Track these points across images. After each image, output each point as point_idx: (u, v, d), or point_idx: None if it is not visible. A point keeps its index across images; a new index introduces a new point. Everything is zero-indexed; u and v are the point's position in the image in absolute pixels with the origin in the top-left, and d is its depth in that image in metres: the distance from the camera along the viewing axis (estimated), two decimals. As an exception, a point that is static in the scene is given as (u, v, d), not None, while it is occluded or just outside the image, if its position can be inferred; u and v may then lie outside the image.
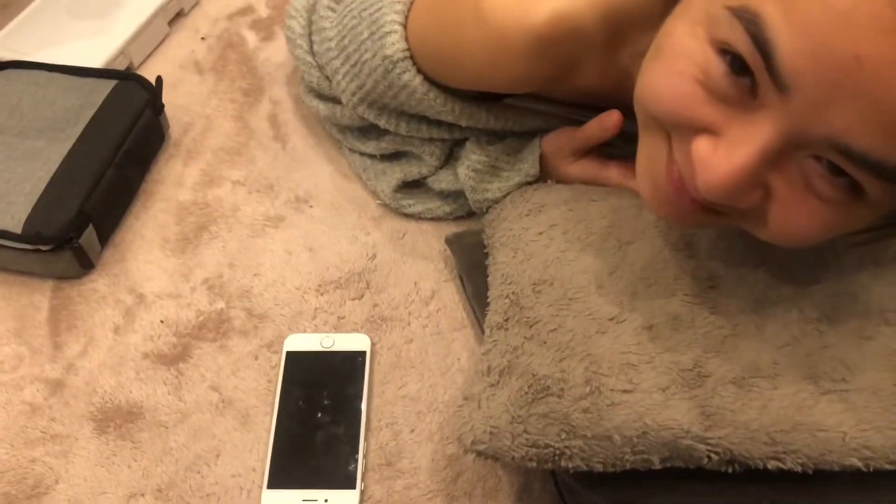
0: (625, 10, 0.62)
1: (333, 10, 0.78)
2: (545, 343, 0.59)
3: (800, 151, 0.46)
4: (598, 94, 0.71)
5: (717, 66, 0.46)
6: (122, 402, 0.72)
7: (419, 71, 0.70)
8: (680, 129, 0.51)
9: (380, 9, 0.70)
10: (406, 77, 0.70)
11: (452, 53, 0.67)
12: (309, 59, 0.81)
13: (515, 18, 0.60)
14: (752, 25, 0.43)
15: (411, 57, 0.70)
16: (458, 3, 0.65)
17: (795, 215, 0.49)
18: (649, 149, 0.55)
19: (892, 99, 0.40)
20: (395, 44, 0.69)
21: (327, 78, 0.79)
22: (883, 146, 0.42)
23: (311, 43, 0.82)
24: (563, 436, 0.55)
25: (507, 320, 0.63)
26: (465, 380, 0.73)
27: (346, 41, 0.74)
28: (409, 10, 0.70)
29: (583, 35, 0.62)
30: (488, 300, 0.68)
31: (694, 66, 0.48)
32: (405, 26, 0.69)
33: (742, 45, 0.44)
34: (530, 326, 0.61)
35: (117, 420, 0.71)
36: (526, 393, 0.57)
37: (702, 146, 0.48)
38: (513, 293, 0.64)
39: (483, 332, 0.69)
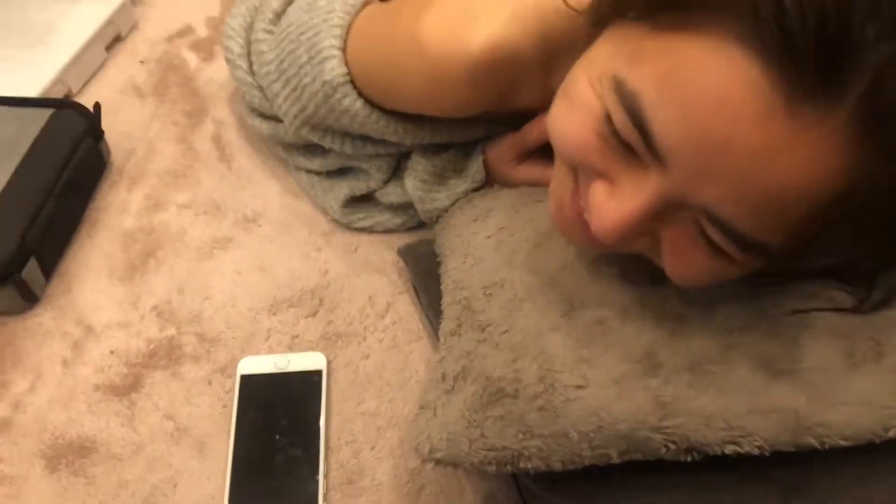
0: (557, 37, 0.63)
1: (270, 33, 0.79)
2: (498, 345, 0.60)
3: (683, 210, 0.49)
4: (538, 108, 0.73)
5: (608, 127, 0.50)
6: (74, 437, 0.71)
7: (360, 95, 0.71)
8: (582, 170, 0.54)
9: (318, 33, 0.71)
10: (347, 102, 0.71)
11: (392, 82, 0.68)
12: (249, 79, 0.82)
13: (451, 48, 0.62)
14: (630, 101, 0.47)
15: (352, 81, 0.71)
16: (394, 31, 0.67)
17: (683, 263, 0.53)
18: (560, 175, 0.58)
19: (759, 180, 0.44)
20: (334, 69, 0.70)
21: (268, 99, 0.80)
22: (749, 220, 0.47)
23: (250, 63, 0.82)
24: (521, 436, 0.56)
25: (459, 326, 0.64)
26: (422, 390, 0.73)
27: (284, 65, 0.74)
28: (346, 34, 0.71)
29: (518, 61, 0.64)
30: (442, 308, 0.69)
31: (592, 119, 0.51)
32: (344, 50, 0.71)
33: (620, 120, 0.48)
34: (482, 330, 0.62)
35: (69, 456, 0.70)
36: (481, 396, 0.58)
37: (597, 192, 0.53)
38: (464, 298, 0.65)
39: (438, 339, 0.70)
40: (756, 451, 0.52)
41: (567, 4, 0.60)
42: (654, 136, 0.46)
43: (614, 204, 0.51)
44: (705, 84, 0.44)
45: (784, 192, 0.45)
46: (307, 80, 0.72)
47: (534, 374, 0.57)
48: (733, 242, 0.49)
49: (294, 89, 0.74)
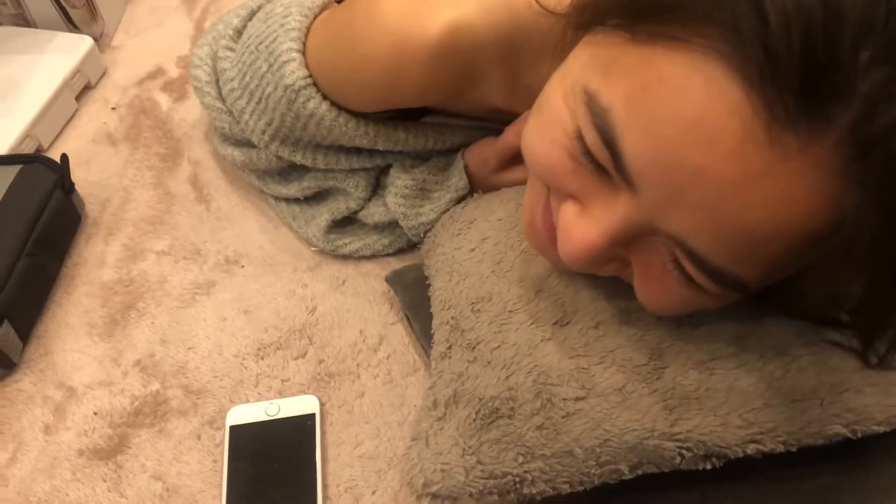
0: (526, 32, 0.64)
1: (232, 50, 0.80)
2: (489, 363, 0.59)
3: (655, 236, 0.49)
4: (511, 110, 0.73)
5: (580, 145, 0.49)
6: (59, 507, 0.71)
7: (325, 98, 0.72)
8: (553, 188, 0.54)
9: (275, 39, 0.72)
10: (311, 105, 0.71)
11: (350, 72, 0.69)
12: (218, 104, 0.83)
13: (409, 28, 0.63)
14: (601, 118, 0.46)
15: (315, 84, 0.71)
16: (352, 18, 0.67)
17: (654, 291, 0.53)
18: (533, 188, 0.58)
19: (733, 212, 0.44)
20: (294, 72, 0.71)
21: (236, 118, 0.81)
22: (722, 253, 0.46)
23: (219, 90, 0.84)
24: (521, 459, 0.55)
25: (449, 348, 0.63)
26: (415, 419, 0.72)
27: (247, 78, 0.76)
28: (305, 36, 0.72)
29: (480, 50, 0.64)
30: (432, 332, 0.68)
31: (564, 136, 0.51)
32: (304, 53, 0.71)
33: (591, 138, 0.48)
34: (472, 349, 0.61)
35: (54, 528, 0.70)
36: (474, 420, 0.57)
37: (566, 213, 0.53)
38: (452, 318, 0.64)
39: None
40: (780, 448, 0.51)
41: (539, 3, 0.59)
42: (623, 156, 0.46)
43: (581, 227, 0.51)
44: (680, 105, 0.43)
45: (760, 226, 0.44)
46: (269, 88, 0.73)
47: (529, 390, 0.56)
48: (705, 274, 0.48)
49: (259, 102, 0.75)
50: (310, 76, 0.71)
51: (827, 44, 0.39)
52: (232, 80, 0.78)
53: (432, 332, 0.68)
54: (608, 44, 0.48)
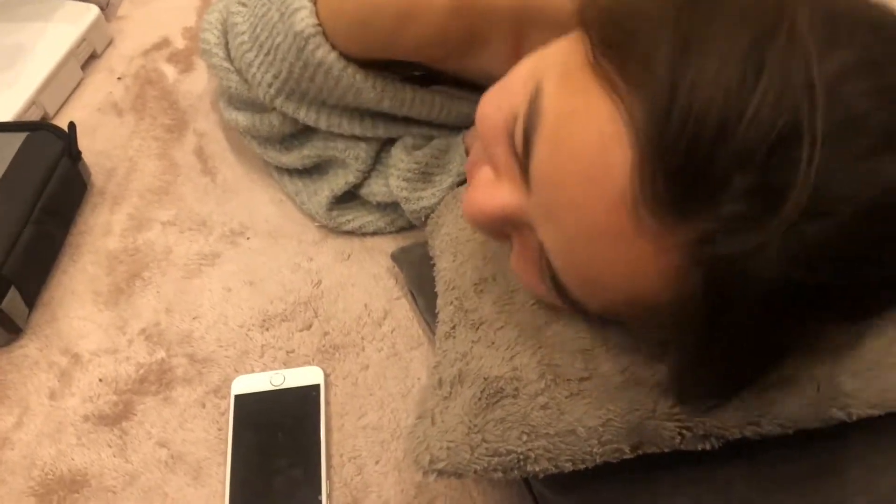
0: (536, 7, 0.64)
1: (245, 5, 0.80)
2: (494, 343, 0.59)
3: (535, 231, 0.51)
4: None
5: (511, 127, 0.51)
6: (65, 471, 0.71)
7: (334, 48, 0.71)
8: (485, 151, 0.56)
9: None
10: (320, 53, 0.71)
11: (360, 13, 0.69)
12: (226, 64, 0.83)
13: None
14: (532, 119, 0.48)
15: (324, 33, 0.71)
16: None
17: (522, 272, 0.57)
18: (477, 147, 0.60)
19: (588, 254, 0.47)
20: (304, 19, 0.70)
21: (246, 81, 0.80)
22: (571, 278, 0.50)
23: (227, 52, 0.83)
24: (525, 438, 0.55)
25: (454, 328, 0.64)
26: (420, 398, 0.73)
27: (258, 30, 0.75)
28: None
29: (493, 11, 0.64)
30: (437, 312, 0.68)
31: (508, 110, 0.52)
32: (315, 3, 0.71)
33: (518, 128, 0.50)
34: (476, 329, 0.61)
35: (61, 492, 0.70)
36: (479, 399, 0.57)
37: (481, 175, 0.55)
38: (456, 298, 0.65)
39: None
40: (778, 430, 0.51)
41: None
42: (531, 160, 0.48)
43: (485, 193, 0.54)
44: (586, 145, 0.45)
45: (604, 276, 0.47)
46: (279, 38, 0.73)
47: (534, 370, 0.56)
48: (553, 286, 0.52)
49: (268, 53, 0.75)
50: (319, 24, 0.70)
51: (707, 157, 0.40)
52: (242, 34, 0.78)
53: (437, 311, 0.68)
54: (579, 53, 0.48)
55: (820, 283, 0.41)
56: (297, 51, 0.72)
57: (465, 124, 0.81)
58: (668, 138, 0.40)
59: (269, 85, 0.77)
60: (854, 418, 0.51)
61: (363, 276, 0.82)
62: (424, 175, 0.80)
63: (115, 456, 0.72)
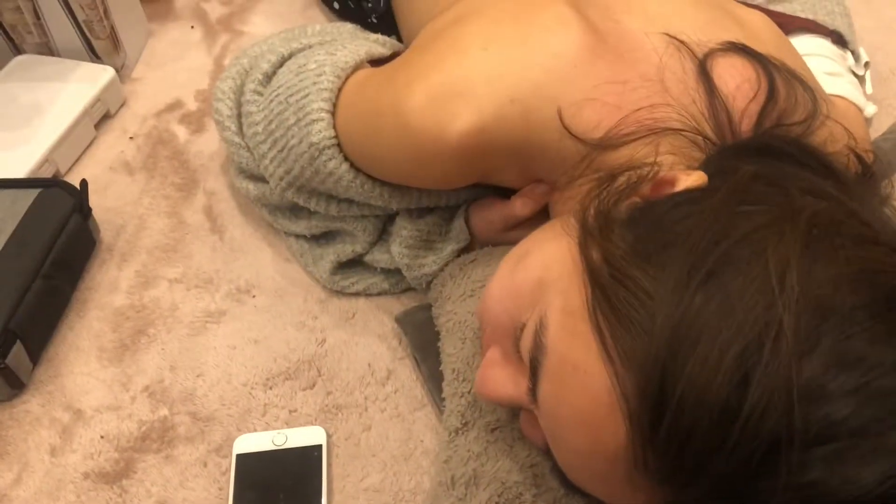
0: (537, 148, 0.64)
1: (260, 94, 0.80)
2: (512, 447, 0.60)
3: None
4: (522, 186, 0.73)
5: (518, 336, 0.55)
6: (63, 530, 0.69)
7: (346, 158, 0.72)
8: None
9: (307, 95, 0.72)
10: (332, 165, 0.72)
11: (376, 153, 0.70)
12: (238, 139, 0.83)
13: (432, 132, 0.63)
14: (537, 351, 0.51)
15: (338, 145, 0.71)
16: (381, 109, 0.67)
17: (531, 437, 0.61)
18: None
19: (583, 479, 0.52)
20: (321, 132, 0.71)
21: (256, 159, 0.81)
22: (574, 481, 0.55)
23: (239, 125, 0.83)
24: None
25: (465, 424, 0.64)
26: (431, 479, 0.71)
27: (272, 125, 0.75)
28: (336, 98, 0.72)
29: (495, 152, 0.65)
30: (443, 396, 0.69)
31: (514, 314, 0.55)
32: (333, 114, 0.71)
33: (524, 350, 0.53)
34: (492, 431, 0.62)
35: (58, 550, 0.68)
36: (497, 503, 0.57)
37: (491, 357, 0.58)
38: (468, 392, 0.65)
39: (441, 411, 0.69)
40: None
41: (568, 130, 0.61)
42: (537, 388, 0.51)
43: (494, 380, 0.57)
44: (584, 403, 0.47)
45: (600, 493, 0.52)
46: (294, 141, 0.73)
47: (554, 477, 0.56)
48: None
49: (281, 150, 0.75)
50: (335, 137, 0.71)
51: (694, 466, 0.43)
52: (257, 125, 0.78)
53: (443, 396, 0.69)
54: (580, 288, 0.50)
55: None
56: (311, 158, 0.72)
57: (469, 198, 0.80)
58: (660, 439, 0.43)
59: (281, 178, 0.77)
60: None
61: (368, 334, 0.82)
62: (426, 242, 0.79)
63: (113, 515, 0.70)
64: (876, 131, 0.88)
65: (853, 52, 0.85)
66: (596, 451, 0.47)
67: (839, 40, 0.85)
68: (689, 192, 0.51)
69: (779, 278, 0.42)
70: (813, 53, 0.82)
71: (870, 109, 0.79)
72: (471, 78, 0.63)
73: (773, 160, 0.53)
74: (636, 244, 0.48)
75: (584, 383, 0.47)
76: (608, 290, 0.47)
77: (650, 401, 0.43)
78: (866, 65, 0.85)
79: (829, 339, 0.42)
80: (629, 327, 0.45)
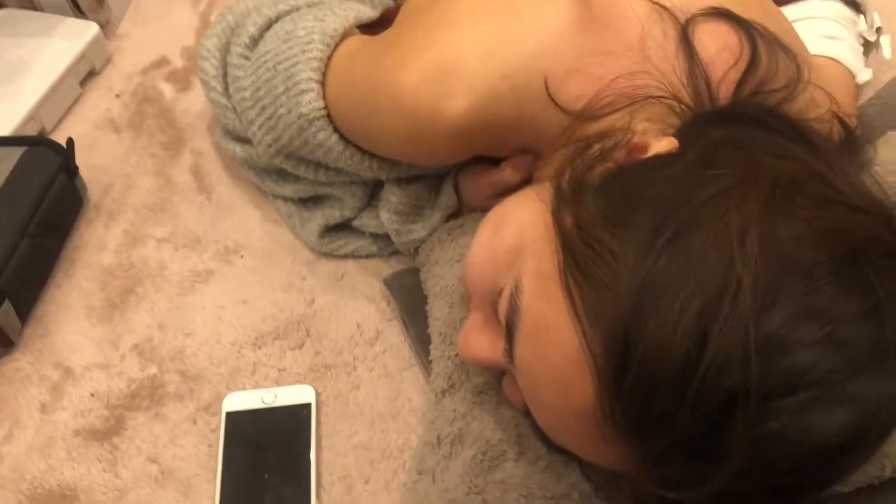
0: (525, 120, 0.64)
1: (247, 59, 0.78)
2: (498, 409, 0.61)
3: None
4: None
5: (496, 299, 0.56)
6: (54, 485, 0.70)
7: (336, 129, 0.71)
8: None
9: (296, 64, 0.71)
10: (321, 136, 0.71)
11: (370, 130, 0.69)
12: (224, 101, 0.82)
13: (427, 112, 0.63)
14: (512, 314, 0.52)
15: (328, 116, 0.70)
16: (374, 80, 0.66)
17: (512, 400, 0.62)
18: None
19: (555, 435, 0.54)
20: (311, 102, 0.70)
21: (243, 123, 0.80)
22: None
23: (225, 84, 0.82)
24: (523, 500, 0.58)
25: (451, 386, 0.65)
26: (418, 438, 0.72)
27: (260, 93, 0.74)
28: (326, 67, 0.71)
29: (489, 130, 0.64)
30: (430, 359, 0.69)
31: (493, 278, 0.56)
32: (322, 83, 0.70)
33: (501, 313, 0.54)
34: (479, 393, 0.62)
35: (50, 506, 0.68)
36: (481, 461, 0.59)
37: (473, 321, 0.60)
38: (455, 355, 0.65)
39: (429, 373, 0.70)
40: None
41: (553, 101, 0.61)
42: (514, 349, 0.53)
43: (475, 343, 0.59)
44: (556, 360, 0.49)
45: (575, 448, 0.53)
46: (283, 110, 0.72)
47: (538, 436, 0.58)
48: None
49: (269, 118, 0.74)
50: (325, 108, 0.70)
51: (659, 416, 0.44)
52: (244, 90, 0.76)
53: (430, 359, 0.69)
54: (553, 253, 0.50)
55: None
56: (300, 129, 0.72)
57: (457, 165, 0.80)
58: (625, 393, 0.45)
59: (269, 146, 0.76)
60: None
61: (356, 296, 0.82)
62: (415, 209, 0.79)
63: (105, 471, 0.71)
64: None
65: (865, 16, 0.85)
66: (568, 407, 0.49)
67: (852, 3, 0.85)
68: (659, 158, 0.52)
69: (739, 238, 0.43)
70: (814, 16, 0.81)
71: (864, 75, 0.79)
72: (462, 55, 0.62)
73: (745, 126, 0.53)
74: (606, 208, 0.49)
75: (556, 343, 0.48)
76: (578, 253, 0.48)
77: (615, 357, 0.44)
78: (878, 30, 0.84)
79: (790, 295, 0.43)
80: (596, 287, 0.46)
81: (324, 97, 0.70)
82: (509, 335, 0.53)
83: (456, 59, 0.62)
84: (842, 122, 0.59)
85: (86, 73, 1.01)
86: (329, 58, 0.71)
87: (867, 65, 0.82)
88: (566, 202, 0.51)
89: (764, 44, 0.60)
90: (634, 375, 0.44)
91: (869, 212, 0.48)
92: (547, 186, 0.55)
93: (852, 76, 0.78)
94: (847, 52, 0.78)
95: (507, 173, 0.72)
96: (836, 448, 0.43)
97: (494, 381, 0.64)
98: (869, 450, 0.46)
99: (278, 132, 0.74)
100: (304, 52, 0.71)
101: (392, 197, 0.78)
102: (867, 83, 0.81)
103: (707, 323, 0.42)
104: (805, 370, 0.42)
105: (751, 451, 0.43)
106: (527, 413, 0.58)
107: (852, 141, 0.59)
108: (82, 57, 0.99)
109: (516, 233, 0.55)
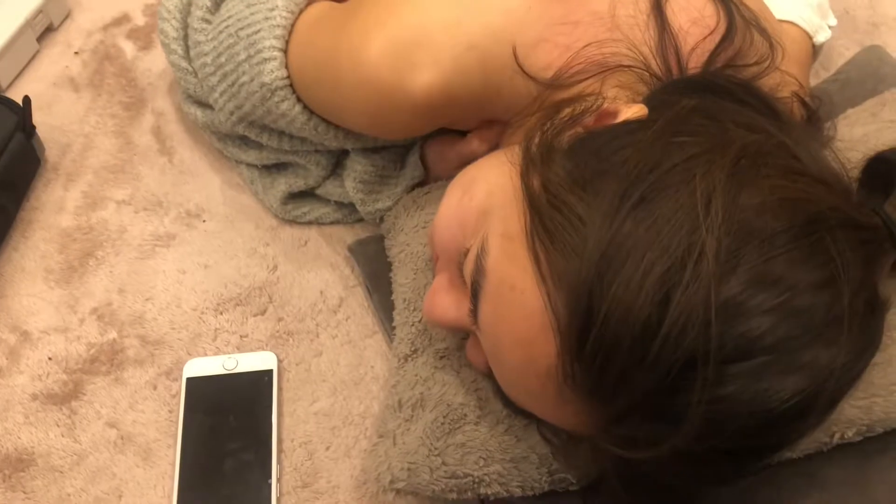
0: (493, 91, 0.63)
1: (208, 22, 0.76)
2: (459, 373, 0.61)
3: None
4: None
5: (462, 259, 0.56)
6: (11, 449, 0.69)
7: (299, 100, 0.69)
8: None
9: (258, 31, 0.69)
10: (284, 106, 0.69)
11: (334, 101, 0.67)
12: (184, 64, 0.79)
13: (392, 85, 0.61)
14: (478, 274, 0.52)
15: (291, 85, 0.69)
16: (338, 50, 0.64)
17: (475, 364, 0.63)
18: None
19: (513, 394, 0.55)
20: (273, 71, 0.68)
21: (205, 88, 0.77)
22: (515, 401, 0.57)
23: (186, 47, 0.80)
24: (482, 462, 0.58)
25: (414, 351, 0.65)
26: (380, 404, 0.72)
27: (222, 59, 0.72)
28: (289, 34, 0.69)
29: (455, 104, 0.63)
30: (394, 325, 0.69)
31: (460, 239, 0.56)
32: (285, 52, 0.68)
33: (467, 273, 0.54)
34: (441, 357, 0.63)
35: (6, 470, 0.68)
36: (442, 424, 0.59)
37: (439, 281, 0.60)
38: (419, 321, 0.65)
39: (392, 340, 0.70)
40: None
41: (523, 70, 0.60)
42: (478, 310, 0.53)
43: (440, 304, 0.59)
44: (519, 321, 0.49)
45: (535, 410, 0.54)
46: (245, 78, 0.70)
47: (498, 400, 0.58)
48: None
49: (231, 85, 0.72)
50: (288, 77, 0.68)
51: (618, 376, 0.45)
52: (205, 55, 0.74)
53: (393, 325, 0.69)
54: (520, 215, 0.51)
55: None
56: (262, 98, 0.69)
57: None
58: (586, 354, 0.45)
59: (231, 113, 0.74)
60: None
61: (320, 263, 0.81)
62: (381, 178, 0.78)
63: (63, 435, 0.70)
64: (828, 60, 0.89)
65: None
66: (530, 367, 0.49)
67: None
68: (628, 124, 0.52)
69: (704, 204, 0.44)
70: None
71: (821, 36, 0.79)
72: (428, 26, 0.60)
73: (715, 97, 0.54)
74: (574, 172, 0.49)
75: (520, 303, 0.49)
76: (545, 216, 0.48)
77: (578, 318, 0.45)
78: None
79: (750, 261, 0.44)
80: (562, 250, 0.46)
81: (287, 66, 0.68)
82: (474, 295, 0.53)
83: (421, 29, 0.60)
84: (804, 104, 0.60)
85: (43, 28, 0.97)
86: (293, 25, 0.69)
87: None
88: (535, 165, 0.51)
89: (740, 18, 0.60)
90: (597, 336, 0.44)
91: (830, 184, 0.49)
92: (516, 150, 0.55)
93: (809, 38, 0.78)
94: (804, 10, 0.78)
95: (475, 144, 0.71)
96: (788, 413, 0.44)
97: (456, 346, 0.64)
98: (819, 416, 0.47)
99: (240, 100, 0.72)
100: (266, 18, 0.69)
101: (357, 166, 0.76)
102: (823, 44, 0.81)
103: (670, 286, 0.43)
104: (761, 336, 0.43)
105: (707, 413, 0.43)
106: (489, 376, 0.58)
107: (815, 119, 0.60)
108: (39, 11, 0.95)
109: (484, 194, 0.55)
